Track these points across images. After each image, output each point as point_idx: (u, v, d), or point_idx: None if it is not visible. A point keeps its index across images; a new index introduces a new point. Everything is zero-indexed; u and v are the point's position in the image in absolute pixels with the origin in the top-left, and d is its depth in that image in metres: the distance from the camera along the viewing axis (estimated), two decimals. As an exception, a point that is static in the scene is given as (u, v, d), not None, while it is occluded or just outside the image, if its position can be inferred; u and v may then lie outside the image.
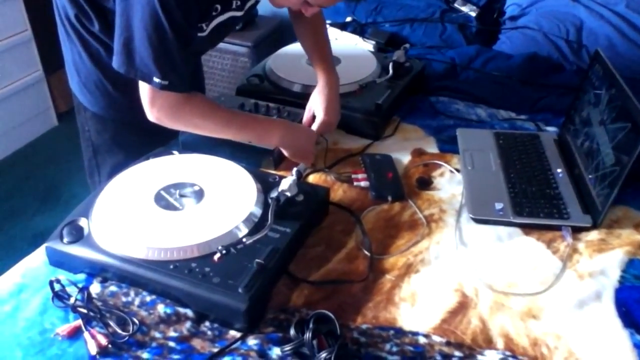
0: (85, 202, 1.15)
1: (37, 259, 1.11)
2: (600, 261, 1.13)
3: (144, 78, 1.15)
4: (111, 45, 1.24)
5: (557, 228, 1.21)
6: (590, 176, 1.26)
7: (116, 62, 1.16)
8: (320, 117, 1.40)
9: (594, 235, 1.20)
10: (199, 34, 1.20)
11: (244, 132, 1.30)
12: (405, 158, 1.43)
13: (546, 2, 2.06)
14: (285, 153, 1.33)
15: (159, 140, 1.38)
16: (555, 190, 1.29)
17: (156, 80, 1.13)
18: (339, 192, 1.30)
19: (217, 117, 1.27)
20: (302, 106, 1.46)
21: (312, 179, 1.34)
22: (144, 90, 1.18)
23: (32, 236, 2.41)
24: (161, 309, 1.00)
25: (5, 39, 2.69)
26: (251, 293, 0.94)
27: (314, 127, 1.40)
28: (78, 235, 1.06)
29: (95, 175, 1.54)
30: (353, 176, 1.34)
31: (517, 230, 1.21)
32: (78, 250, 1.04)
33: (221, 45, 2.76)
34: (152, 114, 1.20)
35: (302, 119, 1.44)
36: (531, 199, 1.26)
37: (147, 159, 1.26)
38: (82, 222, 1.09)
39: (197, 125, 1.26)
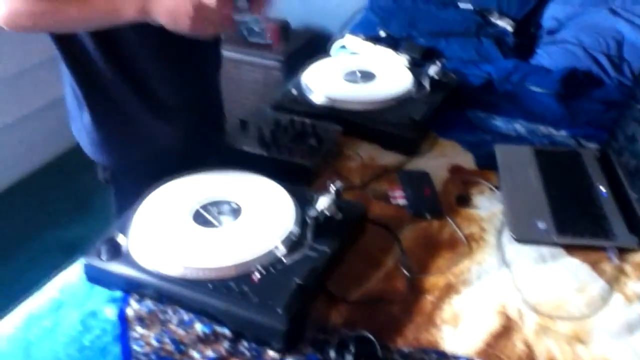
0: (123, 218, 1.14)
1: (74, 274, 1.12)
2: (649, 284, 1.09)
3: None
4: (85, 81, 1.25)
5: (602, 248, 1.17)
6: (636, 195, 1.22)
7: None
8: None
9: (641, 256, 1.16)
10: None
11: (92, 7, 1.10)
12: (442, 174, 1.40)
13: (585, 16, 2.02)
14: (164, 25, 1.11)
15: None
16: (600, 209, 1.25)
17: None
18: (376, 209, 1.28)
19: (62, 1, 1.10)
20: (339, 122, 1.45)
21: (349, 195, 1.32)
22: None
23: (63, 246, 2.43)
24: (199, 327, 0.99)
25: (46, 50, 2.72)
26: (291, 314, 0.93)
27: None
28: (115, 252, 1.06)
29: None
30: (390, 193, 1.32)
31: (560, 250, 1.17)
32: (116, 268, 1.04)
33: (252, 58, 2.79)
34: (3, 25, 1.11)
35: None
36: (575, 218, 1.23)
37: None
38: (120, 238, 1.09)
39: (46, 20, 1.12)
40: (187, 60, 1.31)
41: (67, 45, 1.21)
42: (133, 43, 1.21)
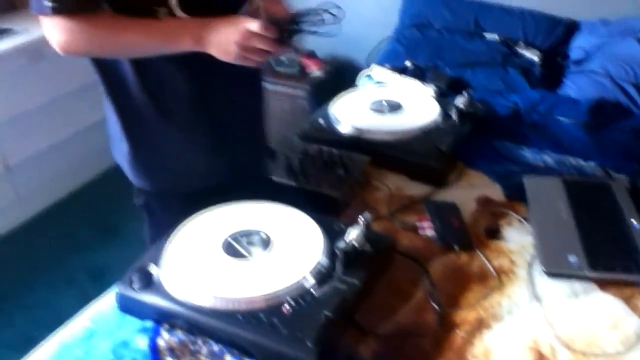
0: (155, 248, 1.16)
1: (106, 303, 1.13)
2: (685, 321, 1.07)
3: (39, 10, 1.07)
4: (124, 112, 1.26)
5: (636, 283, 1.15)
6: (669, 229, 1.20)
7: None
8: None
9: (676, 292, 1.14)
10: None
11: (151, 35, 1.13)
12: (470, 205, 1.40)
13: (612, 46, 2.02)
14: (214, 54, 1.14)
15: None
16: (632, 242, 1.23)
17: (46, 4, 1.05)
18: (404, 240, 1.28)
19: (121, 29, 1.12)
20: (367, 152, 1.46)
21: (376, 226, 1.32)
22: (45, 27, 1.10)
23: (90, 270, 2.45)
24: (229, 359, 0.99)
25: (79, 79, 2.78)
26: (321, 347, 0.93)
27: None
28: (147, 282, 1.07)
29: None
30: (418, 224, 1.32)
31: (592, 285, 1.16)
32: (147, 298, 1.05)
33: (280, 88, 2.82)
34: (60, 50, 1.12)
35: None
36: (607, 251, 1.21)
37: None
38: (152, 268, 1.10)
39: (104, 46, 1.14)
40: (229, 98, 1.32)
41: (109, 76, 1.24)
42: (172, 77, 1.23)
